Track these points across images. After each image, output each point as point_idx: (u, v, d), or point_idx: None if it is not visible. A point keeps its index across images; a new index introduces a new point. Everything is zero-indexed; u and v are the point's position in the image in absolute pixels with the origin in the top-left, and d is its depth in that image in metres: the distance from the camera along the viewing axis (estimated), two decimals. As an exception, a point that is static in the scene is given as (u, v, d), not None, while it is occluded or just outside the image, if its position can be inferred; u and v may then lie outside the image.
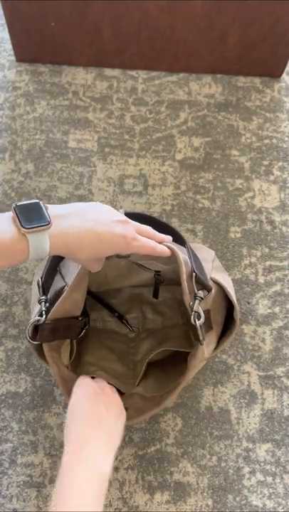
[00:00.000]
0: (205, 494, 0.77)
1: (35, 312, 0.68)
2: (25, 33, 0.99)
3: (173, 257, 0.62)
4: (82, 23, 0.95)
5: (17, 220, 0.47)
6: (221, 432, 0.80)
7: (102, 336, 0.82)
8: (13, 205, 0.48)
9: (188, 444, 0.80)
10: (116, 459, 0.78)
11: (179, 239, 0.68)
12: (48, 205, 0.51)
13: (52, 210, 0.50)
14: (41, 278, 0.69)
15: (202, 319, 0.62)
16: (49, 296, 0.67)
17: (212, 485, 0.78)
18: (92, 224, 0.52)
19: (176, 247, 0.64)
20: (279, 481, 0.78)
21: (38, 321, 0.63)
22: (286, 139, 1.00)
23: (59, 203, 0.94)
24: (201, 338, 0.62)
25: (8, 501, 0.76)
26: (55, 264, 0.72)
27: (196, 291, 0.63)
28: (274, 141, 1.00)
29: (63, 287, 0.65)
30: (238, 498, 0.77)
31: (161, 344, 0.79)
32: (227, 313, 0.74)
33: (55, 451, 0.79)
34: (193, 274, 0.63)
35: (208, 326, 0.68)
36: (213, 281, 0.69)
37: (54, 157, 0.98)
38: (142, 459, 0.79)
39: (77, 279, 0.62)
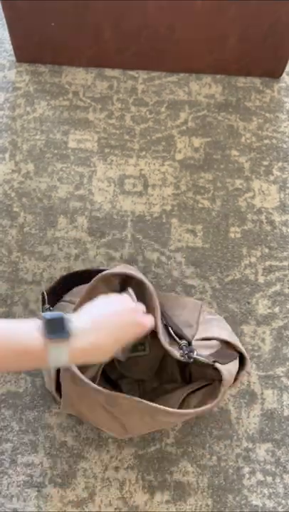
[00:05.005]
0: (205, 494, 0.77)
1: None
2: (25, 33, 0.99)
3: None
4: (82, 23, 0.95)
5: (43, 329, 0.51)
6: (220, 431, 0.81)
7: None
8: (43, 316, 0.51)
9: (188, 443, 0.80)
10: (116, 458, 0.78)
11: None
12: (71, 317, 0.53)
13: (75, 322, 0.53)
14: (46, 293, 0.71)
15: (195, 353, 0.65)
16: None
17: (212, 485, 0.78)
18: (111, 331, 0.56)
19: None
20: (279, 480, 0.78)
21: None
22: (286, 139, 1.00)
23: (59, 203, 0.94)
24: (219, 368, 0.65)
25: (9, 501, 0.76)
26: (60, 293, 0.75)
27: (178, 340, 0.67)
28: (274, 141, 1.00)
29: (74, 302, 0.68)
30: (237, 498, 0.77)
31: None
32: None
33: (55, 451, 0.79)
34: (169, 328, 0.67)
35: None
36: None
37: (54, 157, 0.98)
38: (141, 458, 0.79)
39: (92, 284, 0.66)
